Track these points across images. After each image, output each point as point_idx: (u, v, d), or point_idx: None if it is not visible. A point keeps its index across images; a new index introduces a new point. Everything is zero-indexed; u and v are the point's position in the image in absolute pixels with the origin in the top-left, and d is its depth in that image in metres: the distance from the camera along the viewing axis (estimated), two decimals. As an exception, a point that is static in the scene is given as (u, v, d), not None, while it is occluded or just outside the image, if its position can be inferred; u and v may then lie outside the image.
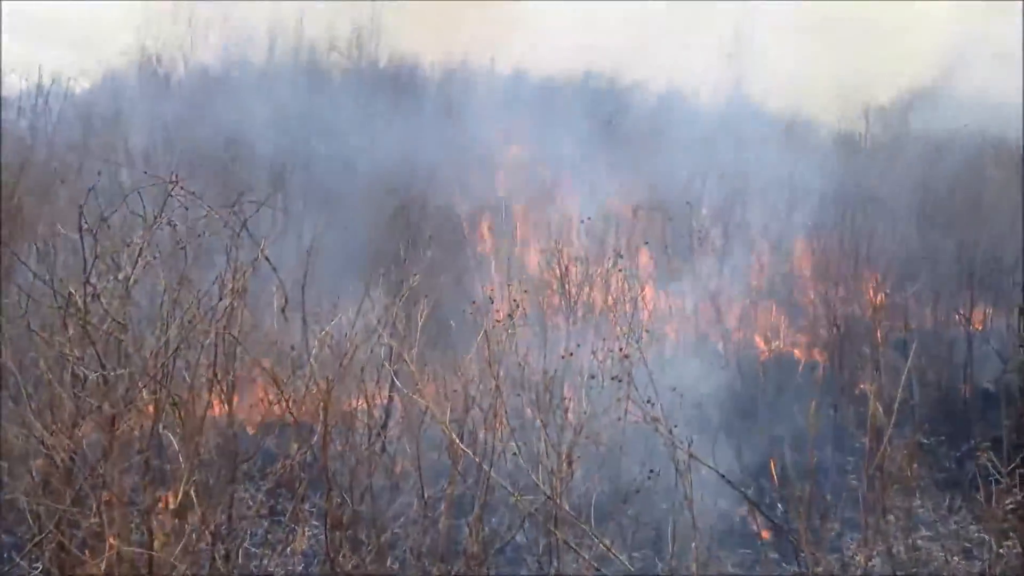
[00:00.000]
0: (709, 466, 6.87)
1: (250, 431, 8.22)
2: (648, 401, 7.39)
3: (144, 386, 5.47)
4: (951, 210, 9.73)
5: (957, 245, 9.40)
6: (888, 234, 9.87)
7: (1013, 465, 5.86)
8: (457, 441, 5.99)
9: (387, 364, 6.48)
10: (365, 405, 6.79)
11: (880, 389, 6.35)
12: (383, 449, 6.85)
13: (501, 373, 7.02)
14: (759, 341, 9.47)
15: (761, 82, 18.48)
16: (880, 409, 6.19)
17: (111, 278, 5.58)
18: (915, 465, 6.40)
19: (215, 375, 5.71)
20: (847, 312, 8.48)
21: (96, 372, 5.37)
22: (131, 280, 5.45)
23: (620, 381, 7.79)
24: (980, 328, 9.73)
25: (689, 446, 6.87)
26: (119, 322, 5.45)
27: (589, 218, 8.53)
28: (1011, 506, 5.87)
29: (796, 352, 9.22)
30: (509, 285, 9.01)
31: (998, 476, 5.83)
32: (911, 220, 10.18)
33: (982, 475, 6.18)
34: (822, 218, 9.73)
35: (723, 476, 6.98)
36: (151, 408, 5.61)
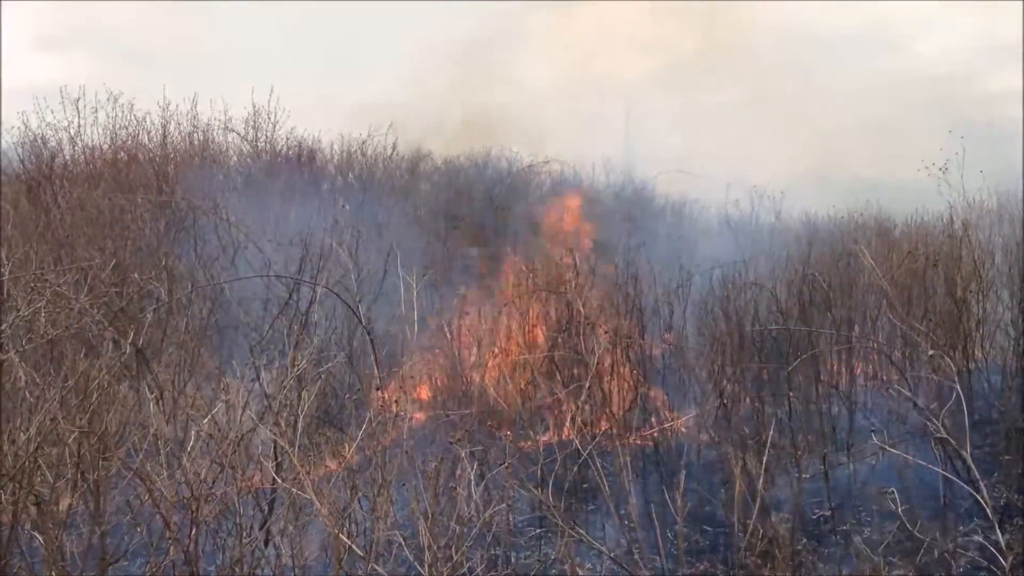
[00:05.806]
0: (596, 547, 6.89)
1: (140, 530, 7.82)
2: (537, 486, 7.39)
3: (2, 487, 5.20)
4: (827, 290, 10.12)
5: (833, 323, 9.75)
6: (770, 313, 10.18)
7: (885, 542, 6.06)
8: (339, 534, 5.82)
9: (266, 457, 6.29)
10: (246, 498, 6.56)
11: (746, 466, 6.47)
12: (266, 544, 6.61)
13: (388, 462, 6.90)
14: (653, 418, 9.58)
15: (650, 165, 19.26)
16: (753, 485, 6.31)
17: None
18: (795, 543, 6.51)
19: (79, 474, 5.47)
20: (732, 390, 8.67)
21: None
22: (-10, 376, 5.24)
23: (511, 467, 7.79)
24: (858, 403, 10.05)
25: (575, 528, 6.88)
26: (-26, 421, 5.21)
27: (468, 306, 8.59)
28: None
29: (683, 430, 9.35)
30: (399, 369, 8.97)
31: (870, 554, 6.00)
32: (791, 298, 10.53)
33: (856, 552, 6.35)
34: (706, 296, 9.99)
35: (611, 557, 7.00)
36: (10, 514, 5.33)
